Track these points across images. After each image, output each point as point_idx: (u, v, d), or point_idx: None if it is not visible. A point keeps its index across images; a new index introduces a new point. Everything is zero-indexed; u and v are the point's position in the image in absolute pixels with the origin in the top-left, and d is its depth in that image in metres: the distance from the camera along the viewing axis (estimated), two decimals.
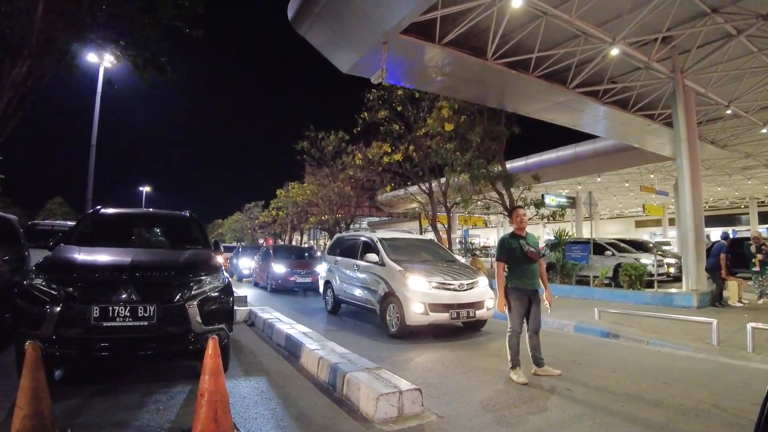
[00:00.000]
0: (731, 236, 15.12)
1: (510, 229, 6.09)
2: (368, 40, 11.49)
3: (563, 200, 28.56)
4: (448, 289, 7.91)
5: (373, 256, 9.01)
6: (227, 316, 5.21)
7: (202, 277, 5.05)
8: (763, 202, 47.13)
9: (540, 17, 11.74)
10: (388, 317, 8.31)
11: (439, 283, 7.94)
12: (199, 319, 4.77)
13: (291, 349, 6.64)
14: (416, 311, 7.69)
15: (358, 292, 9.65)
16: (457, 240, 45.73)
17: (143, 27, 9.82)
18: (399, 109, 18.87)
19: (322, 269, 11.89)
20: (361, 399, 4.31)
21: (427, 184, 20.24)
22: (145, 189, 59.24)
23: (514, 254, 5.68)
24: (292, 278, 15.99)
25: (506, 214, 17.08)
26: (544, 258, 7.34)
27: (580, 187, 36.62)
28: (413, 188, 23.08)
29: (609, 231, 59.18)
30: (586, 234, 57.74)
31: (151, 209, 8.59)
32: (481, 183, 16.43)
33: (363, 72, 12.75)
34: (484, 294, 8.27)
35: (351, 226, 29.43)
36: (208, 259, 5.62)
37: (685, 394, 4.84)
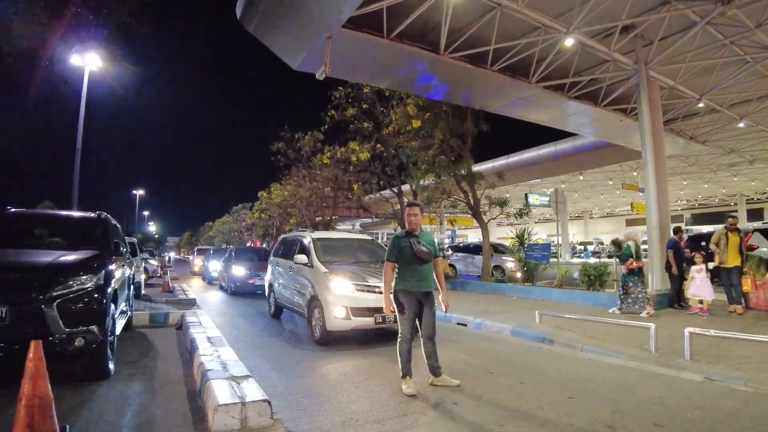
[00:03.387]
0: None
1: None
2: (312, 35, 11.10)
3: (546, 199, 28.27)
4: (374, 292, 7.39)
5: (303, 258, 8.56)
6: (97, 319, 5.03)
7: (68, 279, 4.88)
8: (751, 198, 46.88)
9: (494, 8, 11.28)
10: (313, 322, 7.87)
11: (364, 285, 7.46)
12: (60, 321, 4.63)
13: (191, 354, 6.36)
14: (337, 315, 7.24)
15: (292, 295, 9.20)
16: (446, 240, 45.58)
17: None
18: (365, 107, 18.43)
19: (268, 272, 11.44)
20: (209, 408, 4.08)
21: (397, 183, 19.78)
22: (138, 192, 59.37)
23: (404, 254, 5.22)
24: (251, 281, 15.54)
25: (471, 213, 16.66)
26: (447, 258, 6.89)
27: (563, 185, 36.27)
28: (387, 192, 22.66)
29: (600, 230, 59.05)
30: (574, 234, 57.81)
31: (58, 211, 8.22)
32: (443, 181, 16.01)
33: (313, 68, 12.30)
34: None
35: (335, 227, 28.92)
36: (82, 260, 5.35)
37: (584, 412, 4.36)
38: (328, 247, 8.87)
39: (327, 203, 26.81)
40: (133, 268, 9.45)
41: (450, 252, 23.53)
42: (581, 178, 33.71)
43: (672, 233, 11.04)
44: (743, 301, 9.39)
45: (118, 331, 6.31)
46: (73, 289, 4.87)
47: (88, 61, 15.12)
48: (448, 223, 38.50)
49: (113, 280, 5.87)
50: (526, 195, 21.32)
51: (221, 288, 18.58)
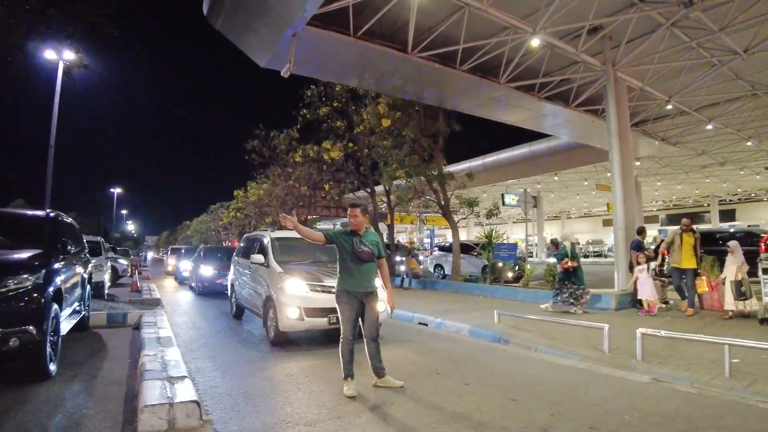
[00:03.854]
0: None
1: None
2: (277, 33, 10.96)
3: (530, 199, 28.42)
4: (329, 293, 7.22)
5: (259, 257, 8.40)
6: (35, 319, 4.94)
7: (5, 278, 4.82)
8: (724, 200, 47.69)
9: (462, 8, 11.23)
10: (268, 322, 7.74)
11: (319, 285, 7.32)
12: None
13: (138, 355, 6.20)
14: (290, 316, 7.10)
15: (250, 295, 9.06)
16: (425, 240, 45.58)
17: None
18: (336, 105, 18.27)
19: (230, 272, 11.25)
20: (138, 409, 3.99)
21: (370, 183, 19.65)
22: (116, 191, 58.43)
23: (344, 253, 5.13)
24: (219, 280, 15.27)
25: (441, 213, 16.61)
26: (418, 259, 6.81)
27: (539, 186, 36.49)
28: (361, 192, 22.54)
29: (577, 230, 59.58)
30: (552, 234, 58.26)
31: (5, 209, 7.97)
32: (414, 181, 15.96)
33: (281, 66, 12.05)
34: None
35: (314, 227, 28.66)
36: (22, 259, 5.26)
37: (522, 414, 4.29)
38: (287, 247, 8.73)
39: (303, 202, 26.60)
40: (90, 268, 9.23)
41: (437, 251, 23.45)
42: (556, 178, 33.90)
43: (636, 233, 11.07)
44: (695, 303, 9.42)
45: (64, 331, 6.22)
46: (10, 288, 4.79)
47: (60, 59, 14.78)
48: (428, 223, 38.62)
49: (57, 280, 5.76)
50: (502, 195, 21.35)
51: (191, 288, 18.30)
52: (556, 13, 11.16)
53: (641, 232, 10.97)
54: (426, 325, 9.46)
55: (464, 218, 19.23)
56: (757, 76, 16.11)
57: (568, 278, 10.25)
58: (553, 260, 13.36)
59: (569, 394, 4.93)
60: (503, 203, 18.37)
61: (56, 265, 5.92)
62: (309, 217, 27.80)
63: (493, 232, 14.94)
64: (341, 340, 5.07)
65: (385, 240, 20.27)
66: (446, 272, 19.22)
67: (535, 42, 11.90)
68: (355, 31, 11.43)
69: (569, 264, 10.20)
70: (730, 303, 8.47)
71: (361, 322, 5.17)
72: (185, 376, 4.67)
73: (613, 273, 12.34)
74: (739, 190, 43.58)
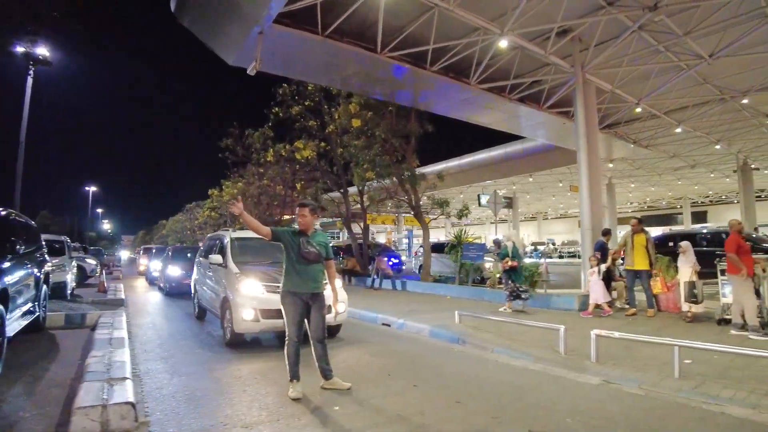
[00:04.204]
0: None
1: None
2: (244, 30, 10.87)
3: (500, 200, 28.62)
4: None
5: (218, 258, 8.28)
6: None
7: None
8: (696, 201, 48.57)
9: (431, 8, 11.20)
10: (225, 324, 7.62)
11: (275, 286, 7.19)
12: None
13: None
14: (246, 318, 6.98)
15: (210, 296, 8.92)
16: (404, 240, 45.62)
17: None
18: (308, 104, 18.16)
19: (194, 272, 11.08)
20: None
21: (343, 183, 19.55)
22: (91, 189, 57.42)
23: (290, 252, 5.04)
24: (186, 281, 14.96)
25: (413, 213, 16.59)
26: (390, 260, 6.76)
27: (515, 187, 36.74)
28: (335, 193, 22.42)
29: (554, 230, 60.18)
30: (529, 235, 58.76)
31: None
32: (384, 181, 15.93)
33: (249, 63, 12.01)
34: (330, 298, 7.62)
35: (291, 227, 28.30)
36: None
37: (464, 417, 4.26)
38: (246, 247, 8.60)
39: (277, 202, 26.34)
40: (47, 267, 8.99)
41: (422, 251, 23.32)
42: (531, 180, 34.16)
43: (601, 235, 11.14)
44: (653, 304, 9.46)
45: (12, 332, 6.04)
46: None
47: (28, 55, 14.46)
48: (407, 223, 38.65)
49: (3, 280, 5.61)
50: (478, 196, 21.49)
51: (159, 288, 18.03)
52: (524, 15, 11.19)
53: (606, 233, 11.04)
54: (389, 325, 9.42)
55: (435, 218, 19.25)
56: (724, 81, 16.39)
57: (510, 277, 10.52)
58: (546, 260, 13.44)
59: (516, 396, 4.91)
60: (479, 204, 18.42)
61: (4, 265, 5.75)
62: (285, 216, 27.56)
63: (462, 232, 14.95)
64: (286, 342, 4.99)
65: (359, 240, 20.22)
66: (432, 272, 18.93)
67: (503, 43, 11.92)
68: (323, 30, 11.36)
69: (509, 263, 10.47)
70: (683, 304, 8.53)
71: (307, 324, 5.09)
72: (126, 378, 4.61)
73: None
74: (710, 192, 44.40)
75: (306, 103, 18.08)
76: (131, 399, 4.00)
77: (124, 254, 72.80)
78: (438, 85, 14.06)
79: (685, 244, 8.72)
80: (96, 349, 5.96)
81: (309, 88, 17.87)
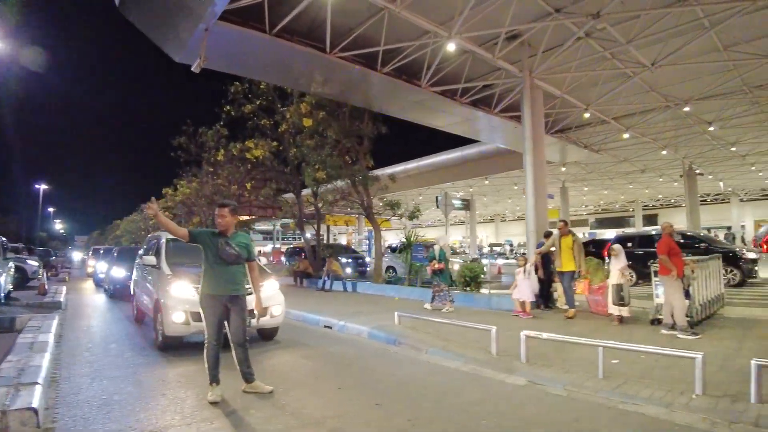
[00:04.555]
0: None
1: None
2: (189, 27, 10.64)
3: (458, 202, 28.83)
4: None
5: (152, 259, 8.06)
6: None
7: None
8: (647, 205, 50.20)
9: (382, 10, 11.20)
10: (157, 326, 7.40)
11: None
12: None
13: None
14: (176, 320, 6.80)
15: (145, 298, 8.68)
16: (364, 242, 45.52)
17: None
18: (259, 102, 17.91)
19: (134, 274, 10.77)
20: None
21: (296, 183, 19.35)
22: (42, 187, 55.19)
23: (208, 254, 4.92)
24: (130, 282, 14.60)
25: (365, 214, 16.56)
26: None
27: (472, 189, 37.16)
28: (288, 195, 22.18)
29: (512, 232, 61.13)
30: (487, 236, 59.59)
31: None
32: (336, 182, 15.85)
33: (196, 60, 11.77)
34: (268, 300, 7.46)
35: (251, 228, 27.99)
36: None
37: (381, 420, 4.25)
38: (182, 249, 8.33)
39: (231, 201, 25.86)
40: None
41: (389, 252, 23.19)
42: (487, 182, 34.63)
43: (543, 236, 11.31)
44: (574, 304, 9.61)
45: None
46: None
47: None
48: (367, 224, 38.54)
49: None
50: (436, 198, 21.55)
51: (105, 290, 17.47)
52: (472, 19, 11.30)
53: (547, 235, 11.21)
54: (331, 327, 9.33)
55: (388, 219, 19.29)
56: (668, 89, 16.97)
57: (437, 278, 10.87)
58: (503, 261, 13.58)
59: (439, 397, 4.91)
60: (437, 206, 18.48)
61: None
62: (243, 217, 27.16)
63: (413, 234, 15.01)
64: (205, 345, 4.88)
65: (313, 242, 20.06)
66: (399, 274, 18.76)
67: (451, 46, 12.00)
68: (271, 28, 11.22)
69: (437, 266, 10.83)
70: (611, 307, 8.70)
71: (227, 327, 4.98)
72: (36, 383, 4.44)
73: None
74: (660, 196, 45.99)
75: (258, 102, 17.82)
76: (34, 405, 3.86)
77: (77, 255, 70.41)
78: (389, 87, 14.08)
79: (617, 247, 8.89)
80: (13, 353, 5.74)
81: (261, 86, 17.62)
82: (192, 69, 11.10)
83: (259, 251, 54.91)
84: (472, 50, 12.71)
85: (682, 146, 24.76)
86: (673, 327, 7.66)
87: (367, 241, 44.65)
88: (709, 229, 34.37)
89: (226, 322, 4.97)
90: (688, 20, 11.98)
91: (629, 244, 14.61)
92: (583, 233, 47.51)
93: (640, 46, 13.22)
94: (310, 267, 18.17)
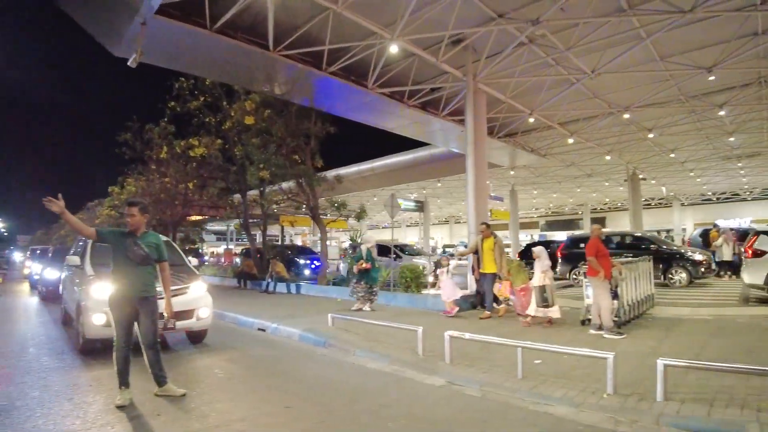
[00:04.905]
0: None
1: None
2: (126, 21, 10.34)
3: (411, 204, 28.91)
4: None
5: (75, 259, 7.79)
6: None
7: None
8: (595, 208, 51.72)
9: (327, 9, 11.09)
10: (79, 329, 7.13)
11: None
12: None
13: None
14: (96, 323, 6.56)
15: (70, 300, 8.36)
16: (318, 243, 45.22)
17: None
18: (203, 99, 17.53)
19: (63, 275, 10.36)
20: None
21: (242, 183, 19.00)
22: None
23: (117, 254, 4.78)
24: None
25: (310, 214, 16.41)
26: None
27: (425, 191, 37.40)
28: (236, 195, 21.77)
29: (463, 234, 61.74)
30: (442, 237, 60.05)
31: None
32: (284, 183, 15.67)
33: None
34: (194, 302, 7.34)
35: (203, 228, 27.27)
36: None
37: (287, 424, 4.21)
38: (108, 249, 8.09)
39: (179, 201, 25.21)
40: None
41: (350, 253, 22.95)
42: (439, 185, 34.93)
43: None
44: (493, 306, 9.84)
45: None
46: None
47: None
48: (328, 226, 38.19)
49: None
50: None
51: (40, 293, 16.78)
52: (415, 22, 11.33)
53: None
54: (264, 330, 9.20)
55: (333, 220, 19.21)
56: (611, 96, 17.47)
57: (363, 278, 10.98)
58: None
59: (354, 399, 4.89)
60: (344, 207, 18.49)
61: None
62: (196, 217, 26.52)
63: (357, 235, 14.97)
64: (114, 348, 4.73)
65: (258, 242, 19.77)
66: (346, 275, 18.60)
67: (393, 48, 11.99)
68: (212, 24, 10.96)
69: (363, 266, 10.95)
70: (532, 309, 8.83)
71: (137, 329, 4.82)
72: None
73: None
74: (607, 199, 47.44)
75: (203, 99, 17.44)
76: None
77: (18, 256, 67.38)
78: (335, 87, 14.00)
79: (538, 249, 9.06)
80: None
81: (207, 82, 17.26)
82: (128, 63, 10.76)
83: (212, 252, 53.92)
84: (416, 53, 12.74)
85: (626, 152, 25.57)
86: (600, 327, 7.83)
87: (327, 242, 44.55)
88: (659, 231, 35.60)
89: (137, 324, 4.82)
90: (625, 30, 12.32)
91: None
92: (530, 235, 48.71)
93: (580, 53, 13.55)
94: (254, 268, 17.84)
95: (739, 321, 8.73)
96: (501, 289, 9.78)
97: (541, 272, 8.68)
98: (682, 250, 14.81)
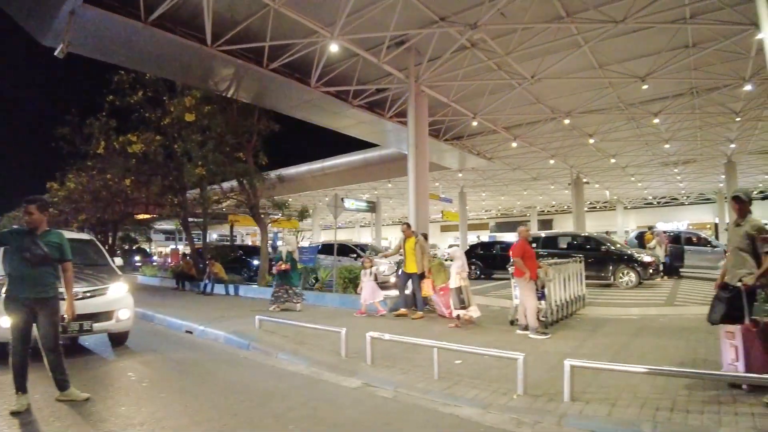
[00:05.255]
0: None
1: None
2: (52, 8, 9.85)
3: (363, 204, 28.84)
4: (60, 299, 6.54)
5: None
6: None
7: None
8: (543, 211, 53.07)
9: (266, 6, 10.87)
10: None
11: None
12: None
13: None
14: (3, 325, 6.22)
15: None
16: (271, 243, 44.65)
17: None
18: (143, 93, 17.01)
19: None
20: None
21: (181, 180, 18.49)
22: None
23: (12, 254, 4.57)
24: None
25: (250, 213, 16.11)
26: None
27: (377, 192, 37.45)
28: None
29: None
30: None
31: None
32: (224, 182, 15.37)
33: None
34: (114, 303, 7.07)
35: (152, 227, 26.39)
36: None
37: (185, 426, 4.14)
38: None
39: (120, 198, 24.34)
40: None
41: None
42: (390, 185, 35.02)
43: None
44: (420, 306, 9.95)
45: None
46: None
47: None
48: (274, 225, 37.72)
49: None
50: (342, 199, 21.39)
51: None
52: (355, 21, 11.26)
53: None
54: (191, 332, 8.98)
55: (275, 220, 18.97)
56: (553, 102, 17.89)
57: (284, 280, 11.12)
58: None
59: (262, 402, 4.81)
60: (286, 206, 18.38)
61: None
62: (141, 216, 25.69)
63: (299, 235, 14.82)
64: (10, 352, 4.52)
65: (197, 242, 19.32)
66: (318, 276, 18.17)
67: (333, 48, 11.89)
68: (147, 15, 10.58)
69: (282, 267, 11.13)
70: (452, 309, 8.96)
71: (37, 332, 4.60)
72: None
73: None
74: (554, 202, 48.67)
75: (142, 93, 16.91)
76: None
77: None
78: (276, 84, 13.76)
79: (452, 250, 9.20)
80: None
81: (147, 76, 16.74)
82: (55, 54, 10.28)
83: (160, 252, 52.42)
84: (357, 52, 12.68)
85: (570, 156, 26.26)
86: (526, 327, 7.96)
87: (279, 243, 43.99)
88: (607, 232, 36.71)
89: (35, 326, 4.62)
90: (564, 36, 12.58)
91: (534, 245, 15.12)
92: (477, 236, 49.49)
93: (521, 59, 13.79)
94: (192, 269, 17.36)
95: (661, 320, 9.05)
96: (424, 288, 9.86)
97: (456, 273, 8.77)
98: (631, 252, 15.07)
